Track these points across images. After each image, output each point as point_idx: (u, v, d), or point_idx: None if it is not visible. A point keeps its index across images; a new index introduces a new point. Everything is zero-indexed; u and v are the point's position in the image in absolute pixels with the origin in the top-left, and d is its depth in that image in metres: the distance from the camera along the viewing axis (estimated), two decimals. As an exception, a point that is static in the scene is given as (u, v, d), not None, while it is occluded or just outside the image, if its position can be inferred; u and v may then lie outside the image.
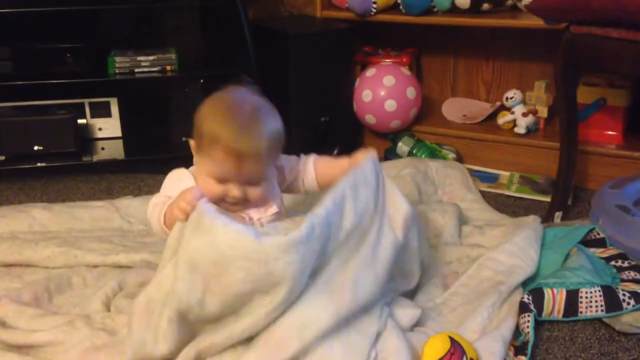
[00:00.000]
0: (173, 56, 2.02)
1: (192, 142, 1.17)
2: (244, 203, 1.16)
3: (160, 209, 1.14)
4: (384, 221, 1.10)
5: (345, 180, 1.07)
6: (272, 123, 1.14)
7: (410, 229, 1.14)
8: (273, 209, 1.21)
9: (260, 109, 1.13)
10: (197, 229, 0.96)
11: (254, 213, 1.20)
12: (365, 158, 1.14)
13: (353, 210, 1.06)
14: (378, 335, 1.04)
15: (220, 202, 1.14)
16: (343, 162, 1.25)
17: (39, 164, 1.95)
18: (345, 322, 1.01)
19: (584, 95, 1.90)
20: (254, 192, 1.15)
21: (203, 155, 1.14)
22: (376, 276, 1.06)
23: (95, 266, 1.42)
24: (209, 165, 1.12)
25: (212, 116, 1.11)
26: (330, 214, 1.02)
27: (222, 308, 0.96)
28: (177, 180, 1.19)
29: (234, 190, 1.13)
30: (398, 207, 1.13)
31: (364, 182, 1.09)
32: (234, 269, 0.93)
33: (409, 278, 1.22)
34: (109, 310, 1.25)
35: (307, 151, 1.98)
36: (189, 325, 1.00)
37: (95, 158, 2.03)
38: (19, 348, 1.13)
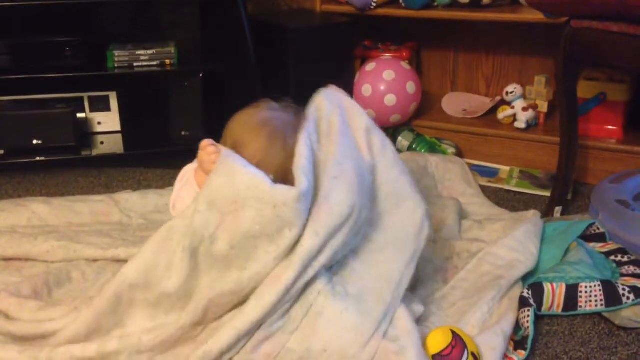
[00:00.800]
0: (172, 50, 2.01)
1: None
2: None
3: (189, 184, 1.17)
4: None
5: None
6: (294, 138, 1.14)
7: None
8: None
9: (287, 124, 1.16)
10: (219, 170, 1.02)
11: None
12: None
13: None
14: (392, 312, 1.07)
15: None
16: None
17: (38, 158, 1.94)
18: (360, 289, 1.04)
19: (584, 89, 1.90)
20: None
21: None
22: (351, 185, 1.07)
23: (95, 260, 1.42)
24: None
25: (246, 132, 1.14)
26: None
27: (230, 247, 1.01)
28: (184, 174, 1.20)
29: None
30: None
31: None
32: (247, 208, 1.00)
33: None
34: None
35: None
36: (199, 264, 1.03)
37: (95, 152, 2.02)
38: (21, 340, 1.13)
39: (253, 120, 1.15)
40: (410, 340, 1.03)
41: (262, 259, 1.01)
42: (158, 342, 1.03)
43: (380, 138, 1.18)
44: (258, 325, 1.00)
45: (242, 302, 1.03)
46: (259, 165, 1.08)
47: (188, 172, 1.20)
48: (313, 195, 1.05)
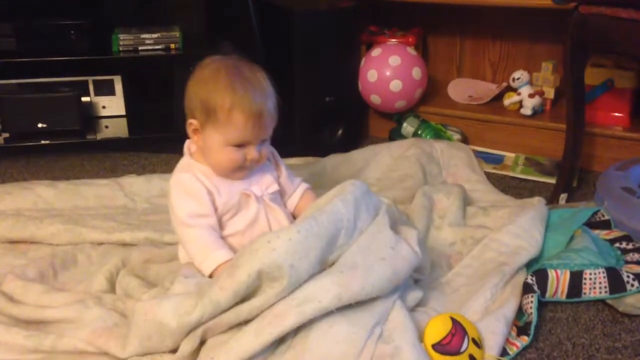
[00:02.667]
0: (177, 34, 2.01)
1: (193, 122, 1.18)
2: (257, 164, 1.20)
3: (206, 251, 1.16)
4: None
5: (357, 185, 1.15)
6: (266, 78, 1.19)
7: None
8: (274, 186, 1.25)
9: (254, 68, 1.18)
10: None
11: (256, 189, 1.22)
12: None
13: (366, 211, 1.12)
14: (386, 314, 1.04)
15: (237, 170, 1.18)
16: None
17: (43, 142, 1.95)
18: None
19: (592, 76, 1.88)
20: (264, 150, 1.20)
21: (218, 128, 1.14)
22: (394, 273, 1.05)
23: (100, 244, 1.42)
24: (228, 134, 1.14)
25: (218, 87, 1.13)
26: (339, 210, 1.07)
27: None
28: (187, 192, 1.18)
29: (253, 152, 1.17)
30: (406, 232, 1.19)
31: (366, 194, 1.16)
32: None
33: (419, 273, 1.22)
34: (113, 286, 1.25)
35: (312, 131, 1.98)
36: None
37: (99, 136, 2.03)
38: (27, 323, 1.14)
39: (224, 78, 1.14)
40: (405, 338, 1.01)
41: (264, 293, 0.99)
42: None
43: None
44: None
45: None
46: (258, 118, 1.12)
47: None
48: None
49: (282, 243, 0.99)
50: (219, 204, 1.19)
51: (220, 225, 1.21)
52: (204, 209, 1.17)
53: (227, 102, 1.12)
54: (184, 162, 1.23)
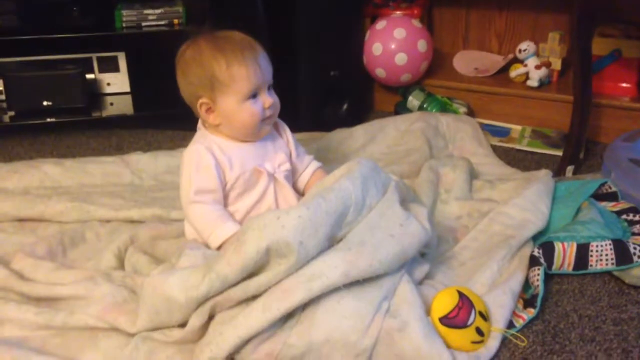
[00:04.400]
0: (180, 9, 1.99)
1: (204, 101, 1.20)
2: (276, 110, 1.24)
3: (212, 226, 1.17)
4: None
5: (364, 163, 1.15)
6: (240, 34, 1.23)
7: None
8: (286, 165, 1.26)
9: (226, 31, 1.23)
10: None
11: (269, 167, 1.23)
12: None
13: (374, 187, 1.12)
14: (393, 289, 1.05)
15: (263, 123, 1.22)
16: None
17: (48, 120, 1.95)
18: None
19: (599, 46, 1.86)
20: (274, 97, 1.23)
21: (227, 90, 1.18)
22: (402, 251, 1.05)
23: (108, 221, 1.43)
24: (239, 89, 1.17)
25: (205, 57, 1.18)
26: (347, 187, 1.07)
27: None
28: (197, 167, 1.18)
29: (267, 97, 1.20)
30: (416, 208, 1.19)
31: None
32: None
33: (428, 245, 1.22)
34: (121, 263, 1.26)
35: (317, 106, 1.97)
36: None
37: (105, 113, 2.03)
38: (37, 300, 1.15)
39: (213, 47, 1.18)
40: (412, 312, 1.01)
41: (272, 269, 0.99)
42: (170, 342, 1.03)
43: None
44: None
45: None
46: (254, 59, 1.16)
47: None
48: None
49: (292, 220, 0.99)
50: (230, 177, 1.20)
51: (228, 201, 1.22)
52: (211, 185, 1.18)
53: (222, 63, 1.16)
54: (199, 134, 1.25)
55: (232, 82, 1.17)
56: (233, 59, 1.16)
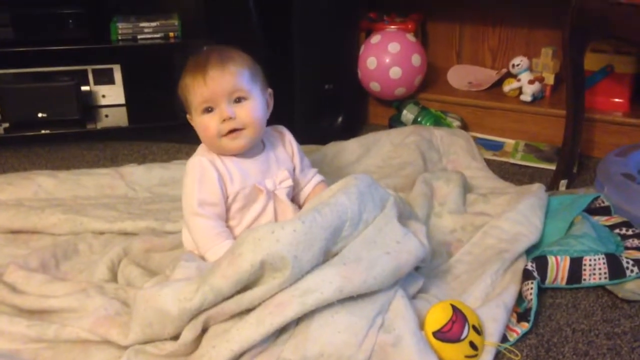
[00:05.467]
0: (176, 22, 2.00)
1: (188, 116, 1.24)
2: (241, 127, 1.18)
3: (212, 242, 1.18)
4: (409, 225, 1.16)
5: (360, 177, 1.14)
6: (231, 49, 1.21)
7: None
8: (288, 181, 1.25)
9: (213, 49, 1.21)
10: None
11: (269, 184, 1.23)
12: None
13: (371, 202, 1.12)
14: (387, 304, 1.05)
15: (221, 136, 1.18)
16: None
17: (43, 131, 1.95)
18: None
19: (591, 62, 1.88)
20: (241, 110, 1.17)
21: (189, 106, 1.20)
22: (397, 268, 1.06)
23: (101, 233, 1.43)
24: (191, 102, 1.19)
25: (185, 71, 1.20)
26: (342, 202, 1.07)
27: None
28: (200, 179, 1.19)
29: (223, 111, 1.16)
30: (414, 225, 1.19)
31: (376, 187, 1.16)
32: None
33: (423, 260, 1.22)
34: (114, 275, 1.26)
35: (312, 119, 1.98)
36: None
37: (99, 125, 2.03)
38: (30, 313, 1.15)
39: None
40: (406, 327, 1.01)
41: (266, 283, 0.99)
42: (163, 355, 1.03)
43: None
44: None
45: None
46: (203, 73, 1.15)
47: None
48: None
49: (287, 234, 0.99)
50: (231, 191, 1.20)
51: (229, 214, 1.22)
52: (213, 198, 1.18)
53: (184, 76, 1.19)
54: (202, 146, 1.25)
55: (187, 95, 1.19)
56: (189, 71, 1.18)
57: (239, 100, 1.18)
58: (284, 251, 0.97)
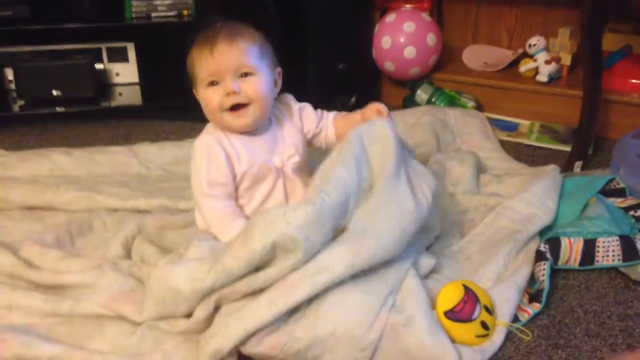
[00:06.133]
0: (189, 0, 1.99)
1: (194, 90, 1.23)
2: (246, 102, 1.17)
3: (223, 223, 1.18)
4: (409, 182, 1.13)
5: (353, 140, 1.11)
6: (242, 26, 1.20)
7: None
8: (296, 157, 1.24)
9: (224, 24, 1.19)
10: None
11: (277, 161, 1.22)
12: (377, 116, 1.21)
13: (367, 168, 1.10)
14: (399, 284, 1.05)
15: (224, 110, 1.17)
16: (356, 116, 1.28)
17: (57, 109, 1.96)
18: (365, 271, 1.02)
19: (609, 42, 1.85)
20: (247, 85, 1.16)
21: (195, 79, 1.19)
22: (403, 231, 1.05)
23: (115, 210, 1.44)
24: (197, 75, 1.18)
25: (194, 45, 1.19)
26: (344, 177, 1.06)
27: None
28: (208, 160, 1.18)
29: (228, 85, 1.15)
30: (421, 175, 1.18)
31: (373, 141, 1.13)
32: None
33: (429, 232, 1.22)
34: (128, 252, 1.27)
35: (325, 99, 1.97)
36: None
37: (113, 103, 2.03)
38: (45, 288, 1.16)
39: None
40: (417, 307, 1.02)
41: (278, 264, 0.99)
42: (176, 332, 1.04)
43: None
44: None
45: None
46: (210, 46, 1.14)
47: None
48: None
49: (298, 217, 0.98)
50: (239, 170, 1.19)
51: (238, 193, 1.22)
52: (222, 178, 1.18)
53: (192, 50, 1.18)
54: (210, 125, 1.24)
55: (194, 67, 1.18)
56: (197, 44, 1.17)
57: (245, 75, 1.16)
58: (295, 233, 0.97)
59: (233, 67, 1.15)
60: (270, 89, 1.20)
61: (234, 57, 1.15)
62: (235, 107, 1.16)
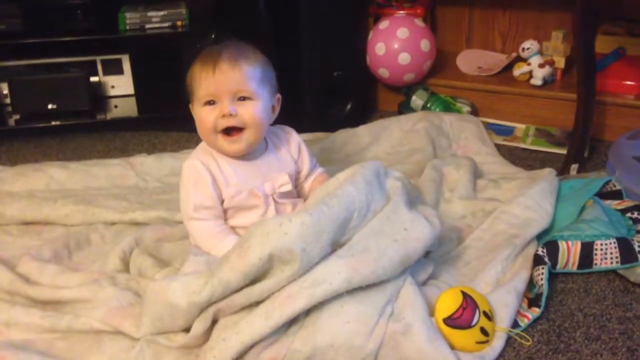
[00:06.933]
0: (183, 11, 2.00)
1: (190, 105, 1.22)
2: (241, 126, 1.16)
3: (212, 242, 1.17)
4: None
5: (361, 167, 1.13)
6: (249, 48, 1.19)
7: None
8: (287, 186, 1.22)
9: (229, 44, 1.18)
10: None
11: (268, 188, 1.20)
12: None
13: (379, 191, 1.11)
14: (396, 293, 1.04)
15: (217, 132, 1.15)
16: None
17: (53, 123, 1.96)
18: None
19: (603, 44, 1.86)
20: (244, 109, 1.15)
21: (193, 96, 1.18)
22: (407, 256, 1.05)
23: (113, 223, 1.44)
24: (195, 92, 1.17)
25: (195, 61, 1.18)
26: (351, 194, 1.07)
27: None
28: (195, 183, 1.17)
29: (224, 107, 1.14)
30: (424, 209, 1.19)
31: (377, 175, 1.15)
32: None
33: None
34: (126, 265, 1.27)
35: (320, 106, 1.97)
36: None
37: (109, 116, 2.03)
38: (43, 304, 1.16)
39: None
40: (415, 315, 1.01)
41: (275, 276, 0.99)
42: (175, 347, 1.04)
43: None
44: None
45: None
46: (213, 64, 1.13)
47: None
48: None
49: (295, 227, 0.98)
50: (226, 195, 1.18)
51: (227, 215, 1.21)
52: (208, 202, 1.17)
53: (194, 66, 1.17)
54: (200, 147, 1.23)
55: (193, 83, 1.17)
56: (200, 61, 1.16)
57: (243, 99, 1.15)
58: (292, 244, 0.97)
59: (232, 90, 1.14)
60: (267, 115, 1.19)
61: (234, 79, 1.14)
62: (229, 131, 1.16)
